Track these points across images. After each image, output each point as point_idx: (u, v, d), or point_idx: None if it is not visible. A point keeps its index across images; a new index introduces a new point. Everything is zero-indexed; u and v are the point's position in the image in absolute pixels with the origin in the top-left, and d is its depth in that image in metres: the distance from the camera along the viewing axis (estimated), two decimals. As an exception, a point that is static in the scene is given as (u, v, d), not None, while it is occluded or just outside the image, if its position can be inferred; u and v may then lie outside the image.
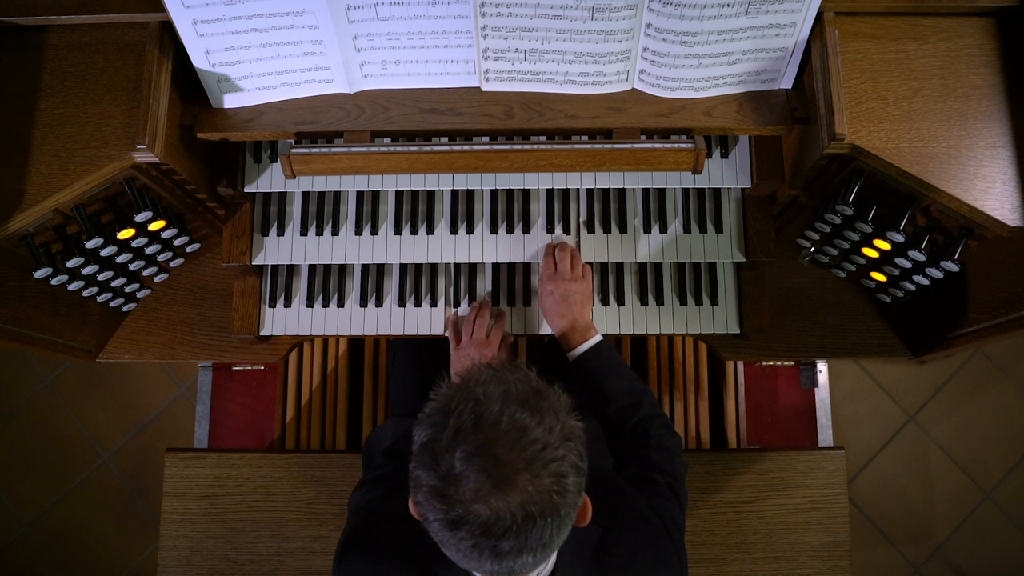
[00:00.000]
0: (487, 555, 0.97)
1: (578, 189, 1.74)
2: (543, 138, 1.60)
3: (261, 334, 1.76)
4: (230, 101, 1.48)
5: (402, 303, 1.76)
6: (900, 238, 1.46)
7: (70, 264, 1.50)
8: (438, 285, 1.78)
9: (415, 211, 1.73)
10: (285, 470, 1.96)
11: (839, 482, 1.96)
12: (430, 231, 1.73)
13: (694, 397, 2.34)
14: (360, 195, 1.73)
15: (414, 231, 1.72)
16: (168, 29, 1.38)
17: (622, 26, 1.37)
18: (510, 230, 1.73)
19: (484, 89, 1.47)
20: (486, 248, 1.72)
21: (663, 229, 1.73)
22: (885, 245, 1.52)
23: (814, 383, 2.38)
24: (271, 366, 2.39)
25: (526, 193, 1.75)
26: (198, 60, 1.40)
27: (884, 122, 1.37)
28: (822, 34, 1.36)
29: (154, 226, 1.56)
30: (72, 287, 1.56)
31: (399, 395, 1.98)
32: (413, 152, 1.44)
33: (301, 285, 1.78)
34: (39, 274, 1.46)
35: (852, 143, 1.35)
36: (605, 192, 1.75)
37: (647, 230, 1.73)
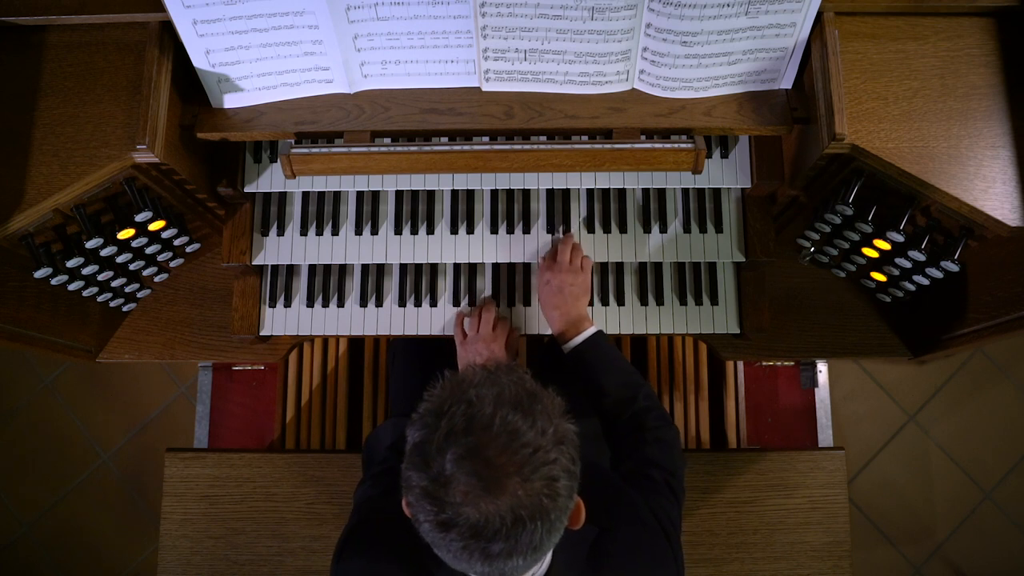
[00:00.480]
0: (477, 557, 0.97)
1: (578, 189, 1.74)
2: (543, 138, 1.60)
3: (261, 334, 1.76)
4: (230, 101, 1.48)
5: (402, 303, 1.76)
6: (900, 238, 1.46)
7: (70, 264, 1.50)
8: (438, 285, 1.78)
9: (415, 211, 1.73)
10: (285, 470, 1.96)
11: (839, 482, 1.96)
12: (430, 231, 1.73)
13: (694, 397, 2.34)
14: (360, 195, 1.74)
15: (414, 231, 1.72)
16: (168, 29, 1.38)
17: (622, 26, 1.37)
18: (510, 230, 1.73)
19: (484, 89, 1.47)
20: (486, 248, 1.72)
21: (663, 229, 1.73)
22: (885, 245, 1.52)
23: (814, 383, 2.38)
24: (271, 366, 2.39)
25: (526, 193, 1.75)
26: (198, 60, 1.40)
27: (884, 122, 1.37)
28: (822, 34, 1.36)
29: (154, 226, 1.56)
30: (72, 287, 1.56)
31: (399, 395, 1.98)
32: (413, 152, 1.44)
33: (301, 285, 1.78)
34: (39, 274, 1.46)
35: (852, 143, 1.35)
36: (605, 192, 1.75)
37: (647, 230, 1.73)
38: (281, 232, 1.73)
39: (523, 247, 1.72)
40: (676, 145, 1.44)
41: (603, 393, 1.52)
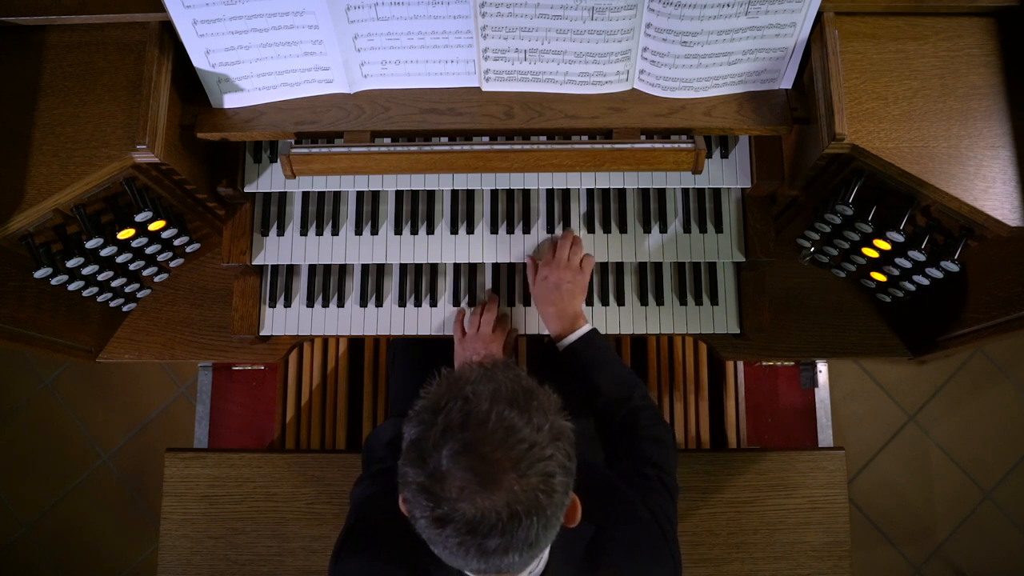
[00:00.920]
0: (473, 553, 0.97)
1: (578, 189, 1.74)
2: (543, 138, 1.60)
3: (261, 334, 1.76)
4: (230, 101, 1.48)
5: (402, 303, 1.76)
6: (900, 238, 1.46)
7: (70, 264, 1.50)
8: (438, 285, 1.78)
9: (415, 211, 1.73)
10: (285, 470, 1.96)
11: (839, 482, 1.96)
12: (430, 231, 1.73)
13: (694, 397, 2.34)
14: (360, 195, 1.74)
15: (414, 231, 1.72)
16: (168, 29, 1.38)
17: (622, 26, 1.37)
18: (510, 230, 1.73)
19: (484, 89, 1.47)
20: (486, 248, 1.72)
21: (663, 229, 1.73)
22: (885, 245, 1.52)
23: (814, 383, 2.38)
24: (271, 366, 2.39)
25: (526, 193, 1.75)
26: (198, 60, 1.40)
27: (884, 122, 1.37)
28: (822, 34, 1.36)
29: (154, 226, 1.56)
30: (72, 287, 1.56)
31: (399, 395, 1.98)
32: (413, 152, 1.44)
33: (301, 285, 1.78)
34: (39, 274, 1.46)
35: (852, 143, 1.35)
36: (605, 192, 1.75)
37: (647, 230, 1.73)
38: (281, 232, 1.73)
39: (523, 247, 1.72)
40: (676, 145, 1.44)
41: (597, 391, 1.53)
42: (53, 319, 1.61)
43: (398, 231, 1.72)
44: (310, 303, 1.76)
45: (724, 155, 1.68)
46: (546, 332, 1.72)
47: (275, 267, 1.78)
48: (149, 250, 1.65)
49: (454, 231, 1.72)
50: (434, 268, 1.79)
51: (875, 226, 1.49)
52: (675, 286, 1.78)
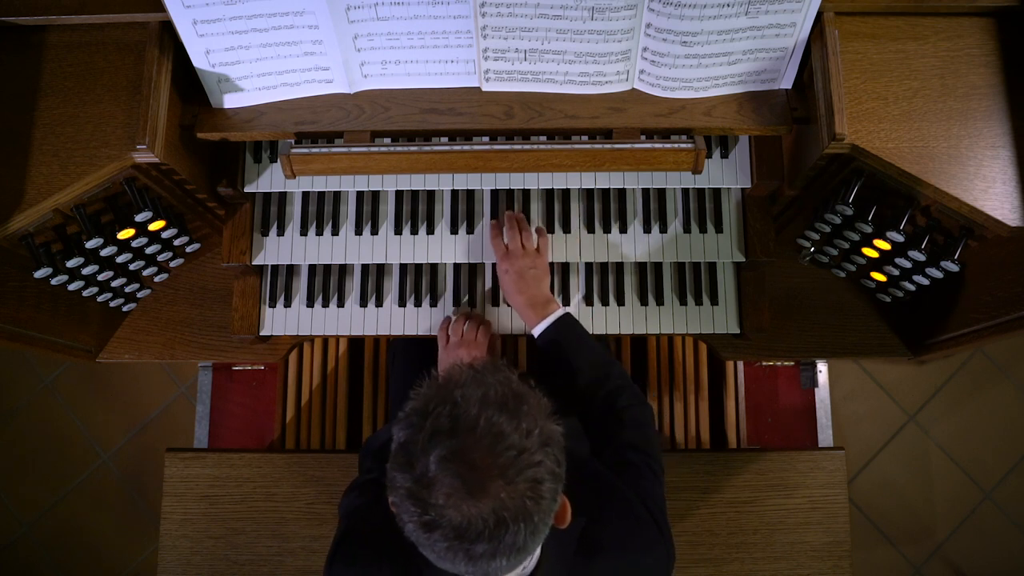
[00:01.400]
0: (461, 557, 0.98)
1: (578, 189, 1.74)
2: (543, 138, 1.60)
3: (261, 334, 1.76)
4: (230, 101, 1.48)
5: (402, 303, 1.76)
6: (900, 238, 1.46)
7: (70, 264, 1.50)
8: (438, 285, 1.78)
9: (415, 211, 1.73)
10: (285, 470, 1.96)
11: (839, 482, 1.96)
12: (430, 231, 1.73)
13: (694, 397, 2.34)
14: (360, 195, 1.74)
15: (414, 231, 1.72)
16: (168, 29, 1.38)
17: (622, 26, 1.37)
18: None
19: (484, 89, 1.47)
20: (486, 248, 1.72)
21: (663, 229, 1.73)
22: (885, 245, 1.52)
23: (814, 383, 2.38)
24: (271, 366, 2.39)
25: (526, 193, 1.75)
26: (198, 60, 1.40)
27: (884, 122, 1.37)
28: (822, 34, 1.36)
29: (154, 226, 1.56)
30: (72, 287, 1.56)
31: (399, 395, 1.98)
32: (413, 152, 1.44)
33: (301, 285, 1.78)
34: (39, 274, 1.46)
35: (852, 143, 1.35)
36: (605, 192, 1.75)
37: (647, 230, 1.73)
38: (281, 232, 1.73)
39: (523, 247, 1.72)
40: (676, 145, 1.44)
41: (576, 373, 1.53)
42: (53, 319, 1.61)
43: (398, 231, 1.72)
44: (310, 303, 1.76)
45: (724, 155, 1.68)
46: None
47: (275, 267, 1.78)
48: (149, 250, 1.65)
49: (454, 231, 1.72)
50: (434, 268, 1.79)
51: (875, 226, 1.49)
52: (675, 286, 1.78)
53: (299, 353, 2.38)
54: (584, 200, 1.75)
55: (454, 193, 1.74)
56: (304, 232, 1.73)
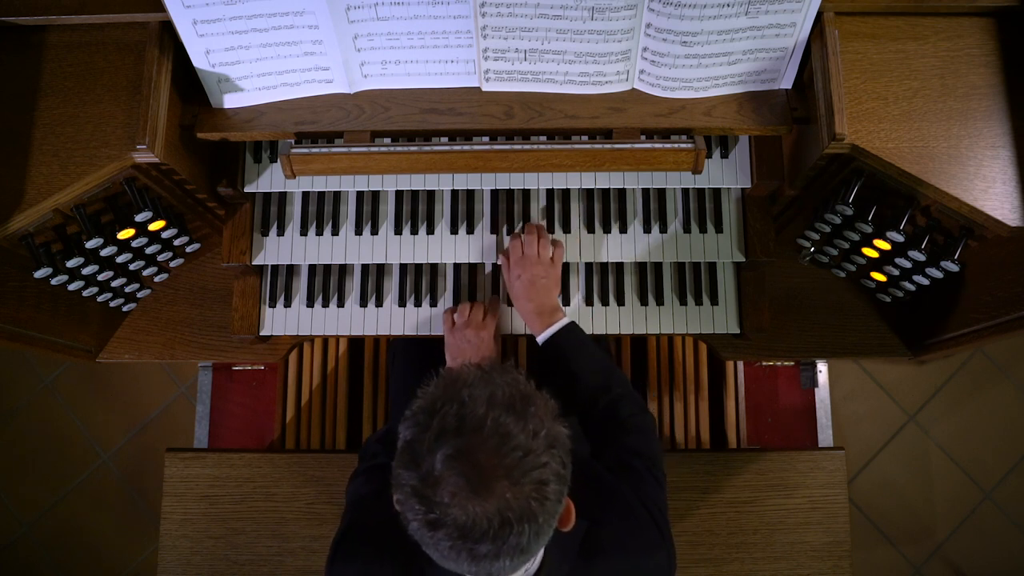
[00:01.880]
0: (464, 557, 0.98)
1: (578, 189, 1.74)
2: (543, 138, 1.60)
3: (261, 334, 1.76)
4: (230, 101, 1.48)
5: (402, 303, 1.76)
6: (900, 238, 1.46)
7: (70, 264, 1.50)
8: (438, 285, 1.78)
9: (415, 211, 1.73)
10: (285, 470, 1.96)
11: (839, 482, 1.96)
12: (430, 231, 1.73)
13: (694, 397, 2.34)
14: (360, 195, 1.74)
15: (414, 231, 1.72)
16: (168, 29, 1.38)
17: (622, 26, 1.37)
18: (510, 230, 1.73)
19: (484, 89, 1.47)
20: (486, 248, 1.72)
21: (663, 229, 1.73)
22: (885, 245, 1.52)
23: (814, 383, 2.38)
24: (271, 366, 2.39)
25: (526, 193, 1.75)
26: (198, 60, 1.40)
27: (884, 122, 1.37)
28: (822, 34, 1.36)
29: (154, 226, 1.56)
30: (72, 287, 1.56)
31: (399, 395, 1.98)
32: (413, 152, 1.44)
33: (301, 285, 1.78)
34: (39, 274, 1.46)
35: (852, 143, 1.35)
36: (605, 192, 1.75)
37: (647, 230, 1.73)
38: (281, 232, 1.73)
39: (523, 247, 1.72)
40: (676, 145, 1.44)
41: (578, 382, 1.53)
42: (53, 319, 1.61)
43: (398, 231, 1.72)
44: (310, 303, 1.76)
45: (724, 155, 1.68)
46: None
47: (275, 267, 1.78)
48: (149, 250, 1.65)
49: (454, 231, 1.72)
50: (434, 268, 1.79)
51: (875, 226, 1.49)
52: (675, 286, 1.78)
53: (299, 353, 2.38)
54: (584, 200, 1.75)
55: (454, 193, 1.74)
56: (304, 232, 1.73)
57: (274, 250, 1.72)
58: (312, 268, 1.78)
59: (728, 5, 1.32)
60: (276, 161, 1.67)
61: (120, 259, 1.58)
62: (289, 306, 1.77)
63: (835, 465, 1.97)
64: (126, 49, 1.42)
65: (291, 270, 1.78)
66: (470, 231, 1.73)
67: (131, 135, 1.37)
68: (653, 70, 1.44)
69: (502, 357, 1.74)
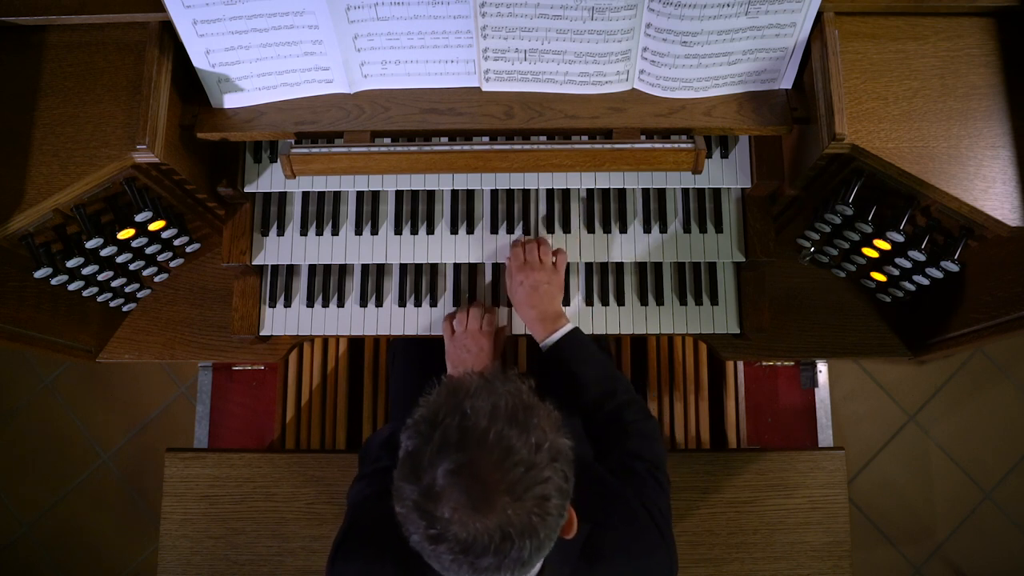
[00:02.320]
0: (466, 570, 0.98)
1: (578, 189, 1.74)
2: (543, 138, 1.60)
3: (261, 334, 1.76)
4: (230, 101, 1.48)
5: (402, 303, 1.76)
6: (900, 238, 1.46)
7: (70, 264, 1.50)
8: (438, 285, 1.78)
9: (415, 211, 1.73)
10: (285, 470, 1.96)
11: (839, 482, 1.96)
12: (430, 231, 1.73)
13: (694, 397, 2.34)
14: (360, 195, 1.73)
15: (414, 231, 1.72)
16: (168, 29, 1.38)
17: (622, 26, 1.37)
18: (510, 230, 1.73)
19: (484, 89, 1.47)
20: (486, 248, 1.72)
21: (663, 229, 1.73)
22: (885, 245, 1.52)
23: (814, 383, 2.38)
24: (271, 366, 2.39)
25: (526, 193, 1.75)
26: (198, 60, 1.40)
27: (884, 122, 1.37)
28: (822, 34, 1.36)
29: (154, 226, 1.56)
30: (72, 287, 1.56)
31: (399, 395, 1.98)
32: (413, 152, 1.44)
33: (301, 285, 1.78)
34: (39, 274, 1.46)
35: (852, 143, 1.35)
36: (605, 192, 1.75)
37: (647, 230, 1.73)
38: (281, 232, 1.73)
39: (523, 247, 1.72)
40: (676, 145, 1.44)
41: (583, 389, 1.53)
42: (53, 319, 1.61)
43: (398, 231, 1.72)
44: (310, 303, 1.76)
45: (724, 155, 1.68)
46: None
47: (275, 267, 1.78)
48: (149, 250, 1.65)
49: (454, 231, 1.72)
50: (434, 268, 1.78)
51: (875, 226, 1.49)
52: (675, 286, 1.78)
53: (299, 353, 2.38)
54: (584, 200, 1.75)
55: (454, 193, 1.74)
56: (304, 232, 1.73)
57: (274, 250, 1.72)
58: (312, 268, 1.78)
59: (728, 5, 1.32)
60: (276, 161, 1.67)
61: (120, 259, 1.58)
62: (289, 306, 1.77)
63: (835, 465, 1.97)
64: (126, 49, 1.42)
65: (291, 270, 1.78)
66: (470, 231, 1.73)
67: (131, 135, 1.37)
68: (653, 70, 1.44)
69: (504, 364, 1.74)
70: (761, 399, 2.37)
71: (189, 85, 1.45)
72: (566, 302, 1.75)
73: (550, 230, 1.73)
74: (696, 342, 2.37)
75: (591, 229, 1.73)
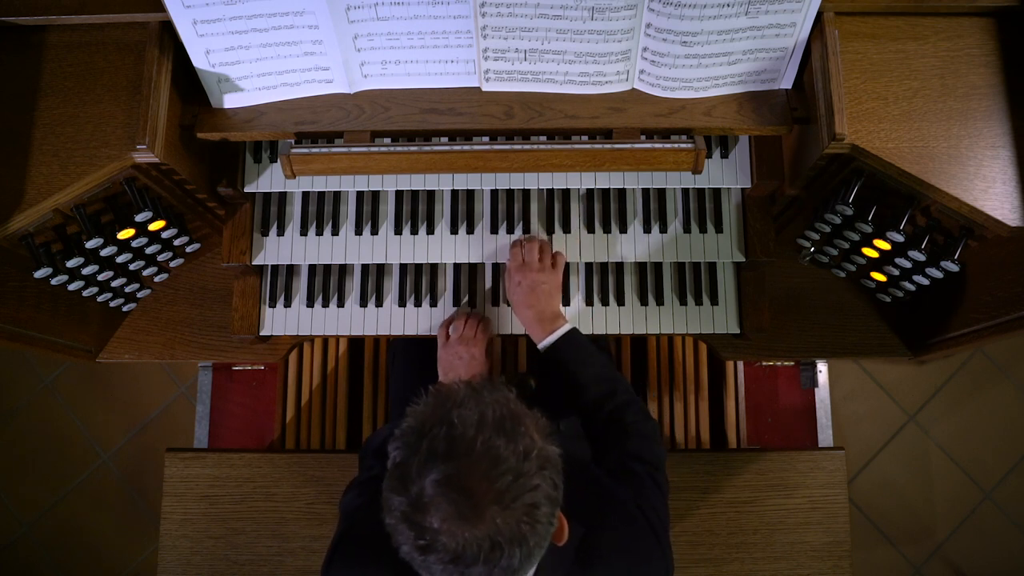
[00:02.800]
0: None
1: (578, 189, 1.74)
2: (543, 138, 1.60)
3: (261, 334, 1.76)
4: (230, 101, 1.48)
5: (402, 303, 1.76)
6: (900, 238, 1.46)
7: (70, 264, 1.50)
8: (438, 285, 1.78)
9: (415, 211, 1.73)
10: (285, 470, 1.96)
11: (839, 482, 1.96)
12: (430, 231, 1.73)
13: (694, 397, 2.34)
14: (360, 195, 1.74)
15: (414, 231, 1.72)
16: (168, 29, 1.38)
17: (622, 26, 1.37)
18: (510, 230, 1.73)
19: (484, 89, 1.47)
20: (486, 248, 1.72)
21: (663, 229, 1.73)
22: (885, 245, 1.52)
23: (814, 383, 2.38)
24: (271, 366, 2.39)
25: (526, 193, 1.75)
26: (198, 60, 1.40)
27: (884, 122, 1.37)
28: (822, 34, 1.36)
29: (154, 226, 1.56)
30: (72, 287, 1.56)
31: (399, 395, 1.98)
32: (413, 152, 1.44)
33: (301, 285, 1.78)
34: (39, 274, 1.46)
35: (852, 143, 1.35)
36: (605, 192, 1.75)
37: (647, 230, 1.73)
38: (281, 232, 1.73)
39: (523, 247, 1.72)
40: (676, 145, 1.44)
41: (582, 389, 1.53)
42: (53, 319, 1.61)
43: (398, 231, 1.72)
44: (310, 303, 1.76)
45: (724, 155, 1.68)
46: None
47: (275, 267, 1.78)
48: (149, 250, 1.65)
49: (454, 231, 1.72)
50: (434, 268, 1.78)
51: (875, 226, 1.49)
52: (675, 286, 1.78)
53: (299, 353, 2.38)
54: (584, 200, 1.75)
55: (454, 193, 1.74)
56: (304, 232, 1.73)
57: (274, 250, 1.72)
58: (312, 268, 1.78)
59: (728, 5, 1.32)
60: (276, 161, 1.67)
61: (120, 259, 1.58)
62: (289, 306, 1.77)
63: (835, 465, 1.97)
64: (126, 49, 1.42)
65: (291, 270, 1.78)
66: (470, 231, 1.73)
67: (131, 135, 1.37)
68: (653, 70, 1.44)
69: (492, 373, 1.74)
70: (761, 399, 2.37)
71: (189, 85, 1.45)
72: (566, 302, 1.75)
73: (550, 230, 1.73)
74: (696, 342, 2.37)
75: (591, 229, 1.73)
